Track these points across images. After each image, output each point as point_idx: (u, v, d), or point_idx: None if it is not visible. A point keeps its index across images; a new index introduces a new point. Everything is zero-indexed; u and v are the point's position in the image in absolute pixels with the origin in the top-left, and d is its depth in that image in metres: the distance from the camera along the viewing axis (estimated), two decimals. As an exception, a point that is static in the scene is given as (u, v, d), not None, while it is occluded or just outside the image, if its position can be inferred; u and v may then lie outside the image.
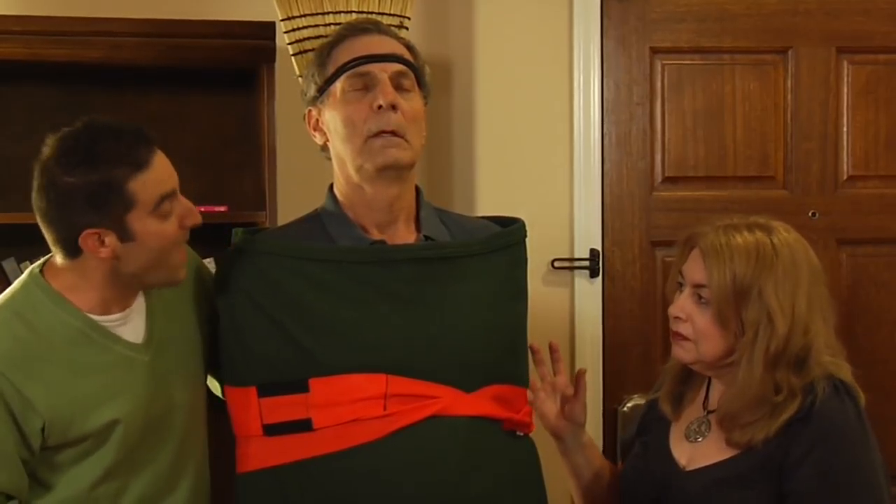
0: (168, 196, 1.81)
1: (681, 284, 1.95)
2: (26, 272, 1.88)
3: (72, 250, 1.80)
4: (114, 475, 1.85)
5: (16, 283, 1.88)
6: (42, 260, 1.89)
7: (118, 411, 1.83)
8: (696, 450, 1.94)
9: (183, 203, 1.85)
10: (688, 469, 1.93)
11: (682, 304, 1.92)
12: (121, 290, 1.86)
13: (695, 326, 1.90)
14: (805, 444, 1.80)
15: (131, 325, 1.88)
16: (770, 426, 1.83)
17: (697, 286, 1.90)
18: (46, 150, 1.80)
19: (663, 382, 2.07)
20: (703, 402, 2.00)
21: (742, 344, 1.86)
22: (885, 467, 1.86)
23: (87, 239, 1.77)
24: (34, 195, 1.81)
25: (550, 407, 2.10)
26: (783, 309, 1.84)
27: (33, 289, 1.83)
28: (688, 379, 2.03)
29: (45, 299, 1.82)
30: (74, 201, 1.75)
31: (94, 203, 1.75)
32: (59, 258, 1.84)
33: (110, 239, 1.78)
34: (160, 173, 1.80)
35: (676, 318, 1.93)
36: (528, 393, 2.07)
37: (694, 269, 1.91)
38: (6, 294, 1.87)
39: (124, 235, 1.78)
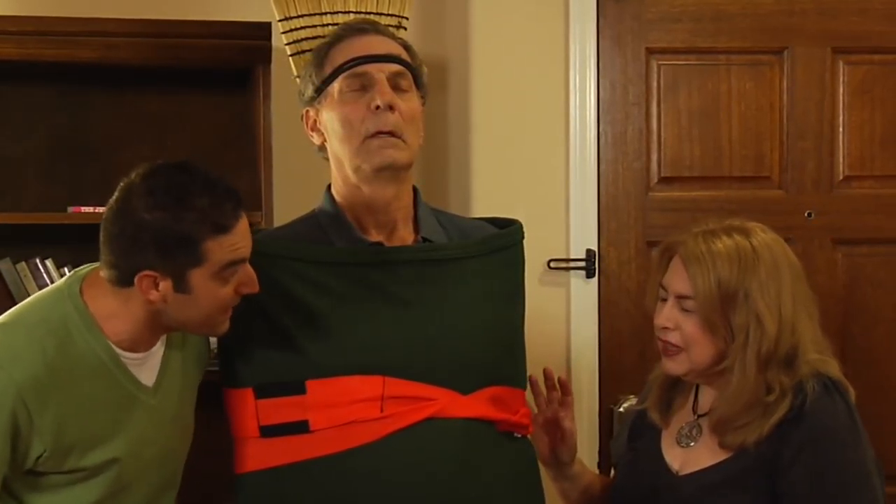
0: (236, 263, 1.78)
1: (662, 299, 1.95)
2: (64, 283, 1.83)
3: (124, 281, 1.76)
4: None
5: (52, 293, 1.83)
6: (84, 272, 1.85)
7: (119, 450, 1.81)
8: (688, 454, 1.94)
9: (246, 272, 1.81)
10: (681, 474, 1.93)
11: (668, 314, 1.92)
12: (154, 330, 1.83)
13: (683, 334, 1.90)
14: (796, 445, 1.80)
15: (147, 367, 1.86)
16: (762, 427, 1.83)
17: (681, 297, 1.90)
18: (136, 176, 1.76)
19: (650, 391, 2.07)
20: (693, 407, 2.00)
21: (733, 348, 1.86)
22: (878, 464, 1.86)
23: (143, 279, 1.74)
24: (107, 213, 1.77)
25: (543, 442, 2.09)
26: (770, 310, 1.84)
27: (70, 308, 1.79)
28: (675, 385, 2.03)
29: (80, 323, 1.78)
30: (144, 239, 1.72)
31: (163, 248, 1.72)
32: (106, 277, 1.79)
33: (165, 285, 1.75)
34: (238, 239, 1.77)
35: (664, 328, 1.92)
36: (535, 392, 2.06)
37: (676, 279, 1.91)
38: (40, 304, 1.81)
39: (180, 287, 1.75)
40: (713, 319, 1.86)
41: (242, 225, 1.79)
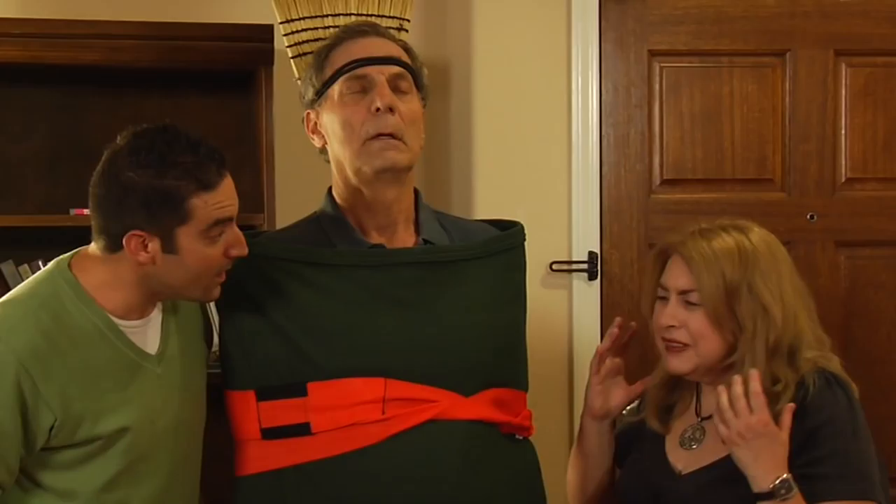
0: (223, 221, 1.80)
1: (662, 299, 1.95)
2: (53, 264, 1.86)
3: (113, 244, 1.79)
4: (116, 486, 1.84)
5: (41, 274, 1.85)
6: (71, 253, 1.87)
7: (129, 419, 1.82)
8: (692, 455, 1.94)
9: (234, 232, 1.83)
10: (684, 473, 1.93)
11: (673, 312, 1.93)
12: (147, 296, 1.85)
13: (690, 331, 1.91)
14: (798, 438, 1.81)
15: (147, 335, 1.87)
16: None
17: (683, 292, 1.91)
18: (120, 140, 1.80)
19: (646, 403, 2.06)
20: (696, 410, 2.00)
21: (743, 340, 1.88)
22: (881, 463, 1.86)
23: (131, 239, 1.76)
24: (94, 178, 1.80)
25: (598, 393, 2.09)
26: (775, 298, 1.88)
27: (61, 282, 1.81)
28: (675, 389, 2.03)
29: (72, 294, 1.80)
30: (131, 199, 1.74)
31: (149, 207, 1.74)
32: (97, 248, 1.82)
33: (154, 245, 1.77)
34: (223, 198, 1.79)
35: (670, 326, 1.93)
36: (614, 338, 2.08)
37: (677, 276, 1.92)
38: (31, 283, 1.84)
39: (168, 246, 1.77)
40: (719, 312, 1.88)
41: (227, 184, 1.81)
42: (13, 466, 1.75)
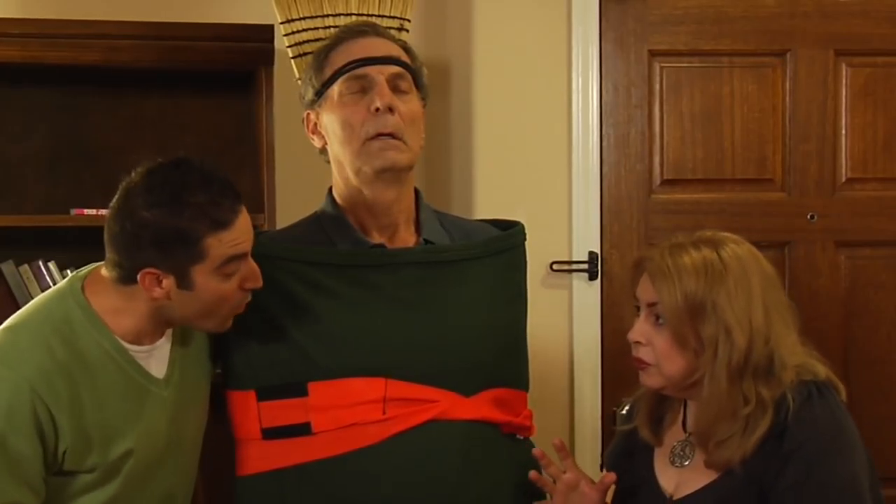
0: (238, 258, 1.78)
1: (637, 308, 1.94)
2: (66, 283, 1.84)
3: (127, 279, 1.77)
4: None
5: (53, 293, 1.84)
6: (85, 271, 1.86)
7: (133, 442, 1.81)
8: (681, 476, 1.91)
9: (249, 266, 1.81)
10: (675, 498, 1.91)
11: (640, 328, 1.89)
12: (158, 324, 1.84)
13: (654, 349, 1.87)
14: (781, 460, 1.77)
15: (156, 359, 1.86)
16: (746, 445, 1.79)
17: (651, 304, 1.88)
18: (135, 175, 1.77)
19: (638, 410, 2.04)
20: (683, 424, 1.98)
21: (703, 361, 1.83)
22: (871, 467, 1.83)
23: (145, 276, 1.75)
24: (109, 213, 1.78)
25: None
26: (740, 321, 1.81)
27: (73, 306, 1.79)
28: (663, 400, 2.01)
29: (84, 319, 1.78)
30: (145, 238, 1.73)
31: (163, 246, 1.73)
32: (109, 276, 1.80)
33: (168, 282, 1.76)
34: (237, 235, 1.77)
35: (636, 342, 1.91)
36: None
37: (645, 290, 1.89)
38: (43, 305, 1.82)
39: (183, 283, 1.76)
40: (683, 332, 1.84)
41: (242, 220, 1.78)
42: (39, 490, 1.75)
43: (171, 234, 1.72)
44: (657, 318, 1.87)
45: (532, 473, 1.96)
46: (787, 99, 3.31)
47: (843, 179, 3.33)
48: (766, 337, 1.83)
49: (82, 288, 1.81)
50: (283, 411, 1.90)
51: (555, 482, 1.98)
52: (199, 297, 1.78)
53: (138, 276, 1.75)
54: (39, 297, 1.86)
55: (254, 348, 1.93)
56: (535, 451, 1.98)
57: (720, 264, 1.84)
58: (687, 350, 1.84)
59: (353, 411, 1.88)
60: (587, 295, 3.25)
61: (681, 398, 1.95)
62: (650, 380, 1.90)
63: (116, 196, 1.78)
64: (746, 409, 1.80)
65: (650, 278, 1.87)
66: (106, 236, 1.78)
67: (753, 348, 1.81)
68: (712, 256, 1.85)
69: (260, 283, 1.83)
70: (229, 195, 1.77)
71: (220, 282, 1.78)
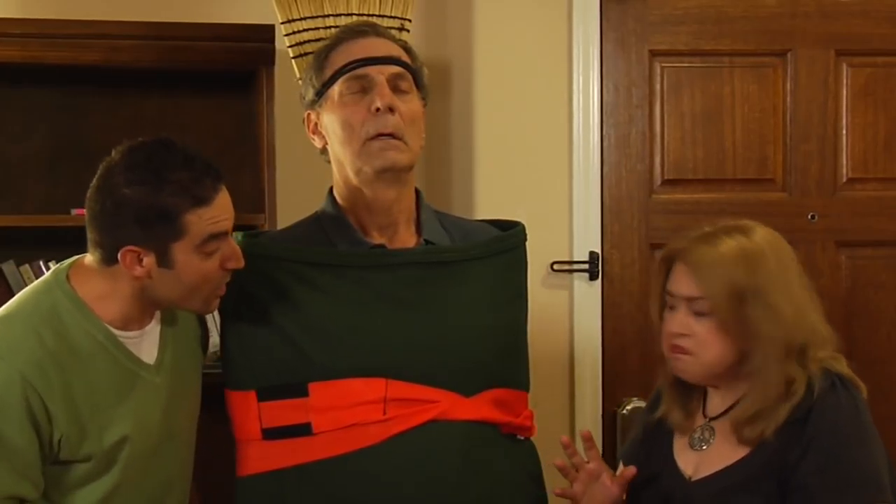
0: (217, 236, 1.79)
1: (671, 306, 1.93)
2: (51, 274, 1.85)
3: (109, 258, 1.78)
4: (112, 500, 1.84)
5: (39, 285, 1.85)
6: (68, 262, 1.87)
7: (128, 428, 1.82)
8: (701, 458, 1.93)
9: (230, 246, 1.83)
10: (694, 479, 1.92)
11: (682, 321, 1.90)
12: (145, 307, 1.85)
13: (696, 339, 1.88)
14: (804, 443, 1.80)
15: (145, 345, 1.87)
16: (778, 417, 1.82)
17: (691, 299, 1.89)
18: (116, 153, 1.79)
19: (661, 397, 2.05)
20: (703, 411, 1.99)
21: (756, 346, 1.85)
22: (890, 464, 1.85)
23: (126, 254, 1.76)
24: (90, 192, 1.79)
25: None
26: (785, 298, 1.85)
27: (60, 295, 1.81)
28: (685, 388, 2.02)
29: (72, 308, 1.80)
30: (125, 215, 1.74)
31: (143, 223, 1.74)
32: (93, 260, 1.82)
33: (149, 260, 1.77)
34: (218, 212, 1.78)
35: (680, 334, 1.91)
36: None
37: (682, 284, 1.90)
38: (30, 296, 1.84)
39: (164, 261, 1.77)
40: (728, 320, 1.85)
41: (222, 198, 1.80)
42: (37, 480, 1.76)
43: (151, 210, 1.73)
44: (696, 310, 1.88)
45: (557, 461, 1.97)
46: (788, 99, 3.31)
47: (844, 179, 3.33)
48: (805, 315, 1.87)
49: (67, 277, 1.82)
50: (284, 412, 1.90)
51: (577, 471, 1.99)
52: (179, 275, 1.78)
53: (119, 255, 1.76)
54: (25, 290, 1.87)
55: (254, 348, 1.93)
56: (563, 439, 1.99)
57: (757, 249, 1.87)
58: (732, 336, 1.86)
59: (354, 411, 1.88)
60: (588, 295, 3.25)
61: (709, 387, 1.96)
62: (687, 368, 1.91)
63: (97, 174, 1.79)
64: (793, 388, 1.82)
65: (690, 269, 1.88)
66: (86, 215, 1.80)
67: (797, 326, 1.85)
68: (747, 242, 1.88)
69: (242, 264, 1.84)
70: (210, 173, 1.78)
71: (201, 260, 1.79)
